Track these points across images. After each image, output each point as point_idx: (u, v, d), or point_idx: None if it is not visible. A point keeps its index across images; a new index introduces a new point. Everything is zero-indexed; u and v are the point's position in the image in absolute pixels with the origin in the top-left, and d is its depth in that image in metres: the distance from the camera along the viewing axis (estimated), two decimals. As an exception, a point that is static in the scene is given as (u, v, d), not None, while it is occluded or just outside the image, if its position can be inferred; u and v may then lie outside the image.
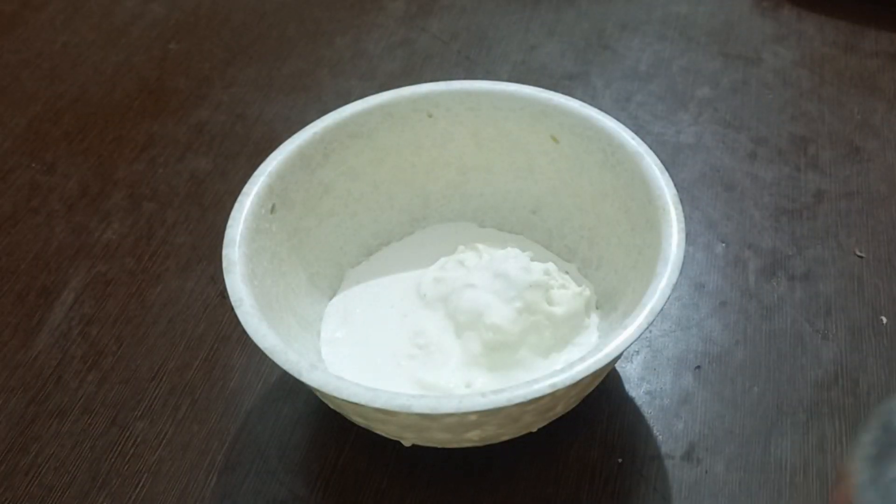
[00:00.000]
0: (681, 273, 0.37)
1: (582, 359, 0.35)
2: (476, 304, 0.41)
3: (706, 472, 0.41)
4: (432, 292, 0.43)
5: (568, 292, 0.42)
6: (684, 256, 0.38)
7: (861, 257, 0.49)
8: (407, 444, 0.39)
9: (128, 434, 0.44)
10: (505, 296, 0.41)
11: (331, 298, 0.46)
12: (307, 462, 0.42)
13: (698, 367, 0.45)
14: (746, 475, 0.41)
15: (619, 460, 0.42)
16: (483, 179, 0.48)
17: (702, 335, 0.46)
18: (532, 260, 0.45)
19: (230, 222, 0.40)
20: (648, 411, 0.43)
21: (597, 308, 0.44)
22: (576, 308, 0.42)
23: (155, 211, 0.55)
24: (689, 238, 0.50)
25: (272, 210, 0.42)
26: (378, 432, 0.39)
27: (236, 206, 0.41)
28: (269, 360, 0.36)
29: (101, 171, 0.58)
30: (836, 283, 0.48)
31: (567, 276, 0.44)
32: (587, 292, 0.43)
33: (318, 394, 0.39)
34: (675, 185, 0.40)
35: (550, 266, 0.44)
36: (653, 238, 0.39)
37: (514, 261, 0.43)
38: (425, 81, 0.46)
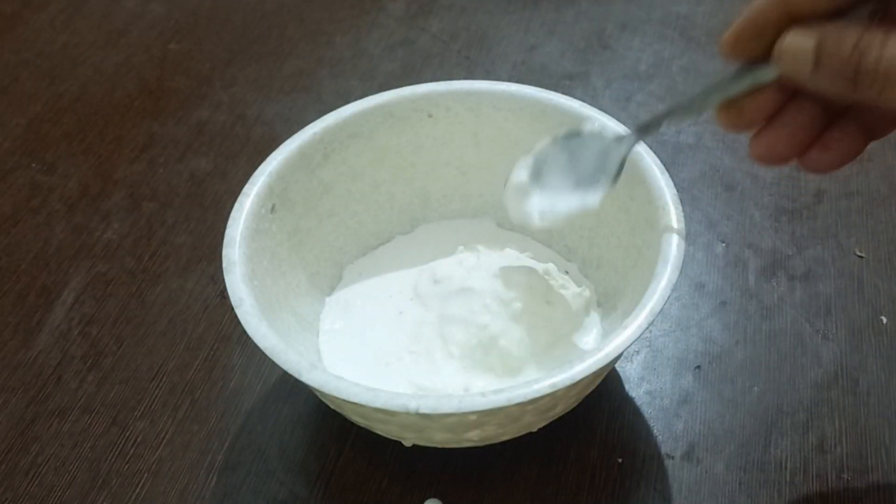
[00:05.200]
0: (681, 273, 0.37)
1: (582, 359, 0.35)
2: (484, 324, 0.41)
3: (706, 472, 0.41)
4: (429, 292, 0.43)
5: (567, 293, 0.43)
6: (684, 256, 0.38)
7: (861, 257, 0.49)
8: (407, 444, 0.39)
9: (128, 434, 0.44)
10: (504, 297, 0.41)
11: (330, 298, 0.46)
12: (307, 462, 0.42)
13: (698, 367, 0.45)
14: (746, 475, 0.41)
15: (619, 460, 0.42)
16: (483, 179, 0.48)
17: (702, 335, 0.46)
18: (532, 260, 0.45)
19: (230, 222, 0.40)
20: (648, 411, 0.43)
21: (597, 307, 0.44)
22: (575, 308, 0.42)
23: (155, 211, 0.55)
24: (689, 238, 0.50)
25: (272, 210, 0.42)
26: (378, 432, 0.39)
27: (236, 206, 0.41)
28: (269, 360, 0.36)
29: (101, 171, 0.58)
30: (837, 282, 0.48)
31: (567, 277, 0.44)
32: (587, 293, 0.43)
33: (317, 394, 0.39)
34: (676, 184, 0.40)
35: (550, 266, 0.44)
36: (653, 238, 0.39)
37: (513, 262, 0.43)
38: (425, 81, 0.46)
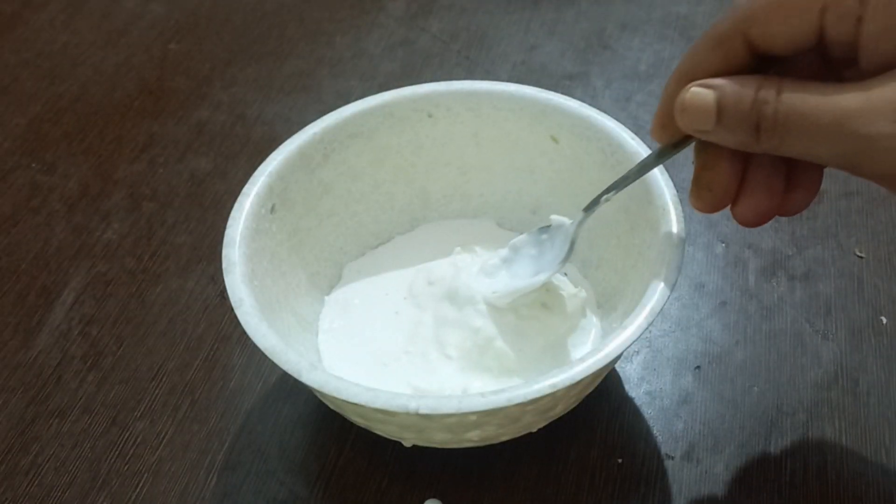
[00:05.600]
0: (681, 273, 0.37)
1: (581, 359, 0.35)
2: (477, 327, 0.41)
3: (706, 472, 0.41)
4: (424, 293, 0.43)
5: (564, 294, 0.42)
6: (684, 257, 0.38)
7: (861, 257, 0.49)
8: (407, 444, 0.39)
9: (128, 434, 0.44)
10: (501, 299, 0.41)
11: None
12: (307, 462, 0.42)
13: (698, 367, 0.45)
14: (746, 475, 0.41)
15: (619, 460, 0.42)
16: (483, 179, 0.48)
17: (702, 335, 0.46)
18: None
19: (230, 222, 0.40)
20: (648, 411, 0.43)
21: (597, 308, 0.44)
22: (572, 310, 0.42)
23: (155, 211, 0.55)
24: (689, 238, 0.50)
25: (272, 210, 0.42)
26: (378, 432, 0.39)
27: (236, 206, 0.41)
28: (269, 360, 0.36)
29: (101, 171, 0.58)
30: (836, 282, 0.48)
31: (564, 278, 0.44)
32: (583, 294, 0.43)
33: (317, 394, 0.39)
34: (675, 185, 0.40)
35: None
36: (653, 238, 0.39)
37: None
38: (425, 81, 0.47)
